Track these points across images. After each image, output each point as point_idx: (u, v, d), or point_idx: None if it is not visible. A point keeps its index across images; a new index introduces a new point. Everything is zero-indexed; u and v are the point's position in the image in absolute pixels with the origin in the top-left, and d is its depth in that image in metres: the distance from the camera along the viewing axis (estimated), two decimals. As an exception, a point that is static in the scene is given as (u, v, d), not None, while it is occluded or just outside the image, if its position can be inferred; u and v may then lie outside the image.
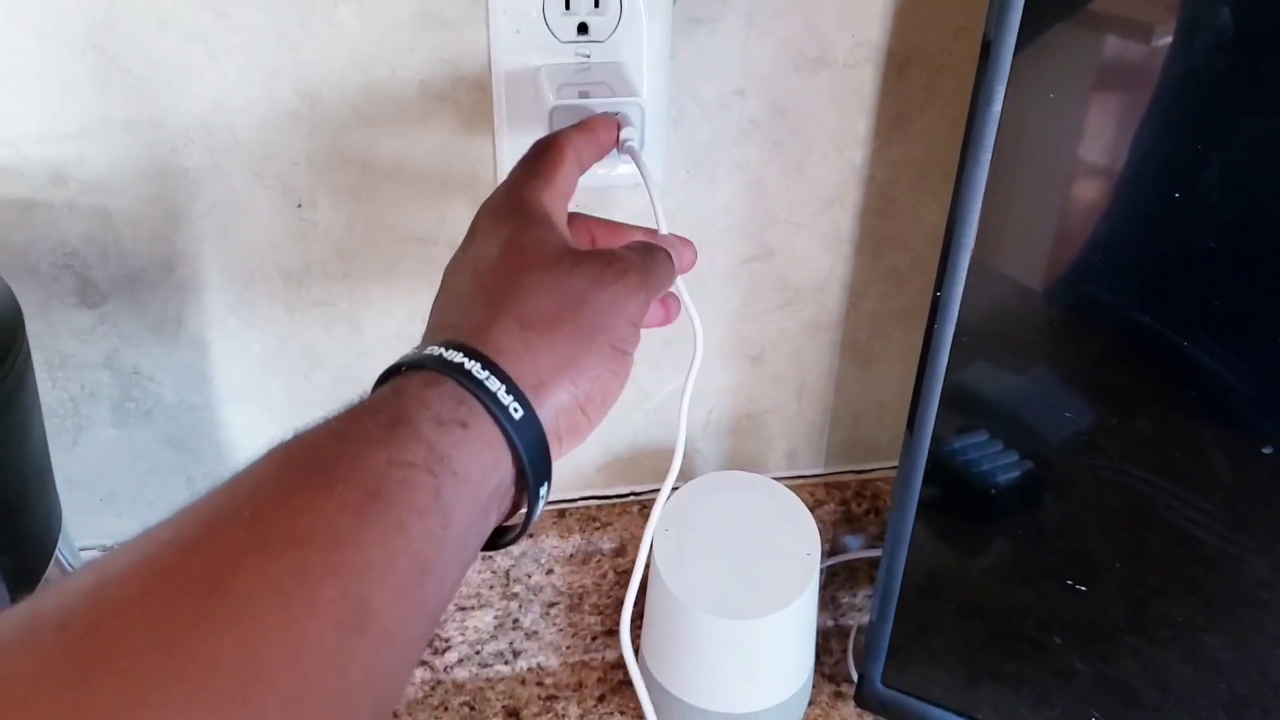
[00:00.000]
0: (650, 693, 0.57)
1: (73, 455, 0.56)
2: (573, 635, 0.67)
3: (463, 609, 0.63)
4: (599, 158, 0.43)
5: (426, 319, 0.36)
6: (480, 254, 0.37)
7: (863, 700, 0.62)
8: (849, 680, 0.66)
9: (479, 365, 0.32)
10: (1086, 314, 0.49)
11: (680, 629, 0.56)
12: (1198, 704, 0.55)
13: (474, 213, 0.38)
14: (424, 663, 0.65)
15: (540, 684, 0.66)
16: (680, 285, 0.49)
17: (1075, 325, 0.50)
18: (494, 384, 0.31)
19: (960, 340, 0.51)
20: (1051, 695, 0.58)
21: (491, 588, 0.63)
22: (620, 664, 0.67)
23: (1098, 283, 0.48)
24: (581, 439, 0.36)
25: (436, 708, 0.64)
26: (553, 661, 0.67)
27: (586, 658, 0.68)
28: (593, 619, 0.66)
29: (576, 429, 0.35)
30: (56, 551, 0.39)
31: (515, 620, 0.65)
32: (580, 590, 0.64)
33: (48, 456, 0.40)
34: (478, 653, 0.66)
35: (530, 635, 0.66)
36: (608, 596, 0.65)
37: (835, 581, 0.68)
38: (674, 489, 0.57)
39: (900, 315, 0.61)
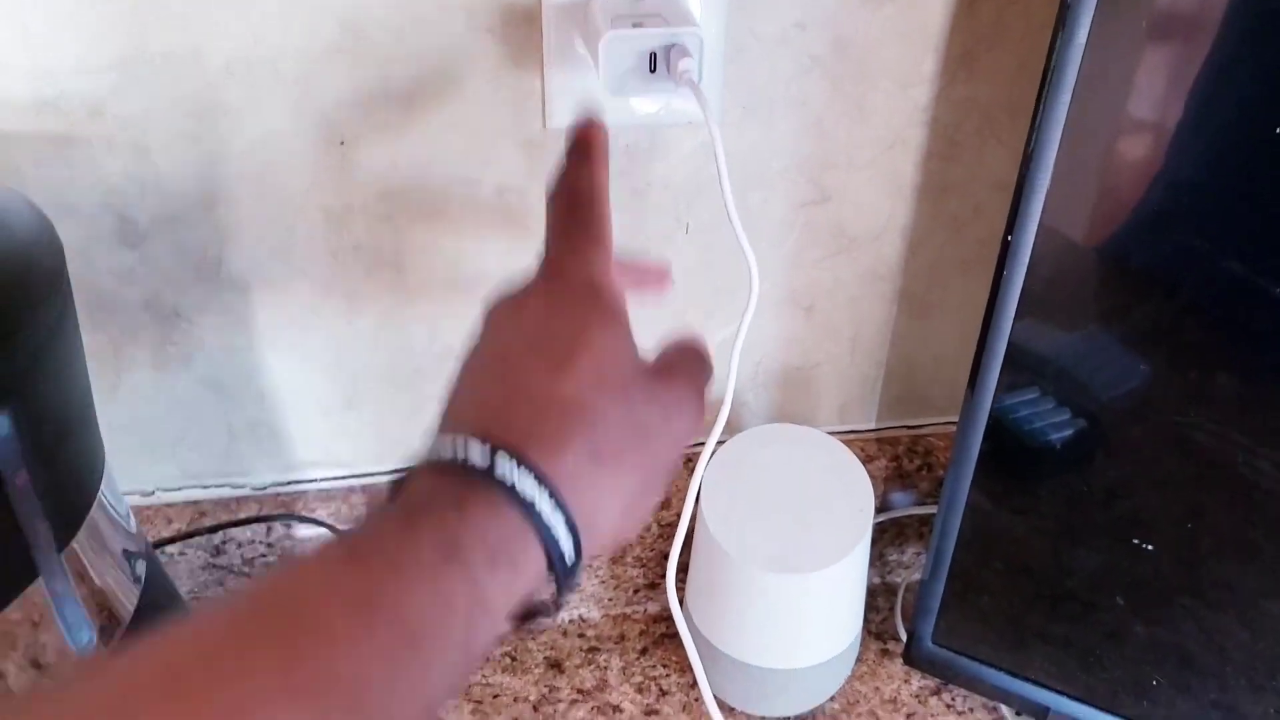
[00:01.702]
0: (694, 646, 0.56)
1: (114, 400, 0.55)
2: (615, 588, 0.66)
3: (505, 560, 0.62)
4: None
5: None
6: (560, 346, 0.33)
7: (911, 658, 0.61)
8: (895, 638, 0.65)
9: (550, 504, 0.30)
10: (1167, 266, 0.47)
11: (727, 583, 0.54)
12: (1255, 669, 0.53)
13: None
14: (465, 613, 0.65)
15: (582, 635, 0.65)
16: (738, 226, 0.47)
17: (1153, 278, 0.48)
18: (559, 529, 0.30)
19: (1029, 291, 0.49)
20: (1105, 657, 0.56)
21: (534, 539, 0.62)
22: (662, 617, 0.66)
23: (1182, 233, 0.46)
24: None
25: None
26: (595, 614, 0.66)
27: (629, 610, 0.67)
28: (635, 571, 0.65)
29: (598, 551, 0.35)
30: (100, 494, 0.38)
31: (558, 572, 0.64)
32: (624, 545, 0.63)
33: (90, 395, 0.39)
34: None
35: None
36: (651, 549, 0.64)
37: (884, 538, 0.66)
38: (720, 442, 0.56)
39: (960, 266, 0.59)
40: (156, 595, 0.42)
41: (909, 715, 0.60)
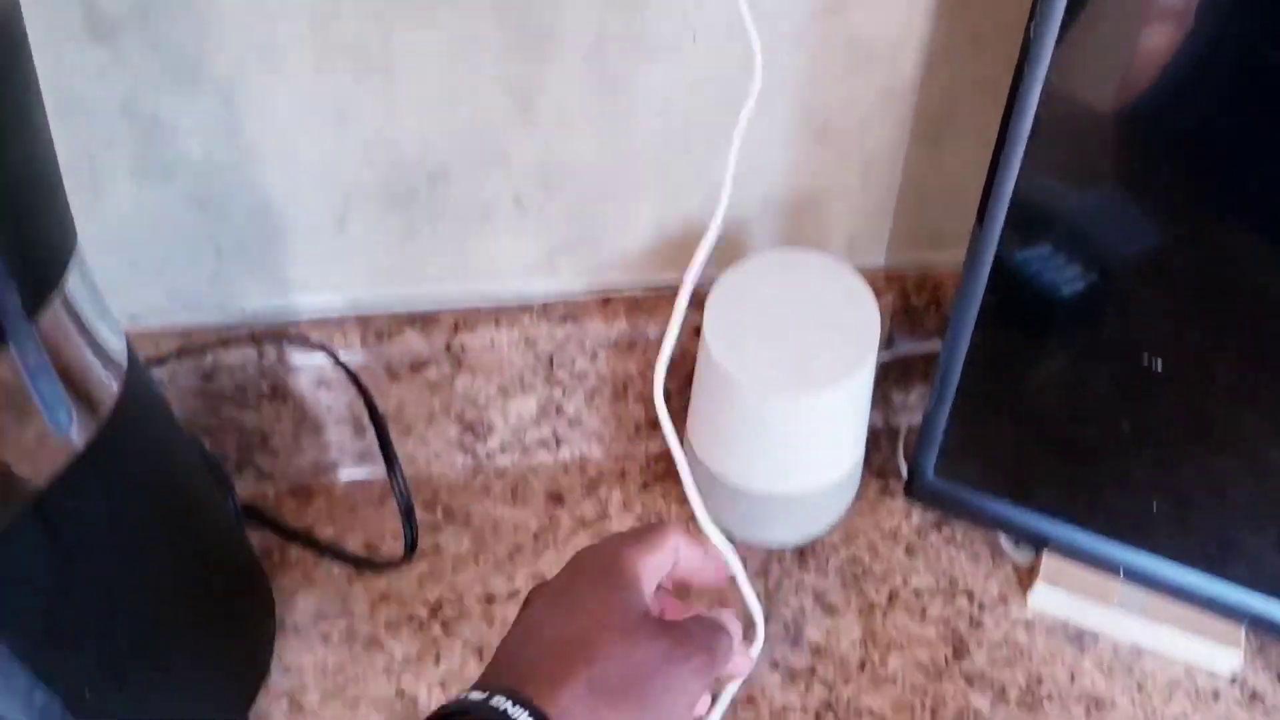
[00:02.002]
0: (695, 475, 0.56)
1: (94, 216, 0.53)
2: (616, 425, 0.65)
3: (505, 393, 0.61)
4: (692, 574, 0.45)
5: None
6: (570, 599, 0.39)
7: (913, 492, 0.60)
8: (897, 476, 0.64)
9: None
10: (1195, 113, 0.44)
11: (729, 407, 0.53)
12: (1257, 513, 0.53)
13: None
14: (465, 448, 0.64)
15: (583, 471, 0.65)
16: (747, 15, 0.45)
17: (1171, 123, 0.45)
18: None
19: (1046, 108, 0.46)
20: (1106, 493, 0.55)
21: (535, 372, 0.61)
22: (664, 455, 0.66)
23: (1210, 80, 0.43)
24: None
25: (478, 491, 0.63)
26: (596, 451, 0.66)
27: (630, 448, 0.66)
28: (637, 408, 0.64)
29: None
30: (71, 283, 0.37)
31: (558, 407, 0.63)
32: (625, 378, 0.62)
33: (55, 163, 0.37)
34: (520, 439, 0.64)
35: (573, 423, 0.64)
36: (652, 385, 0.63)
37: (889, 378, 0.65)
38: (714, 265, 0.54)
39: (979, 86, 0.56)
40: (139, 394, 0.41)
41: (908, 548, 0.60)
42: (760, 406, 0.52)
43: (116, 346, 0.40)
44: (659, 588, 0.43)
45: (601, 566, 0.40)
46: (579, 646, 0.36)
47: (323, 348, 0.55)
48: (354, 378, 0.55)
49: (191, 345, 0.55)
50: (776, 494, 0.56)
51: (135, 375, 0.41)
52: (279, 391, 0.59)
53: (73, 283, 0.36)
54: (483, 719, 0.33)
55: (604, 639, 0.37)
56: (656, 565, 0.42)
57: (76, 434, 0.37)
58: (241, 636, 0.50)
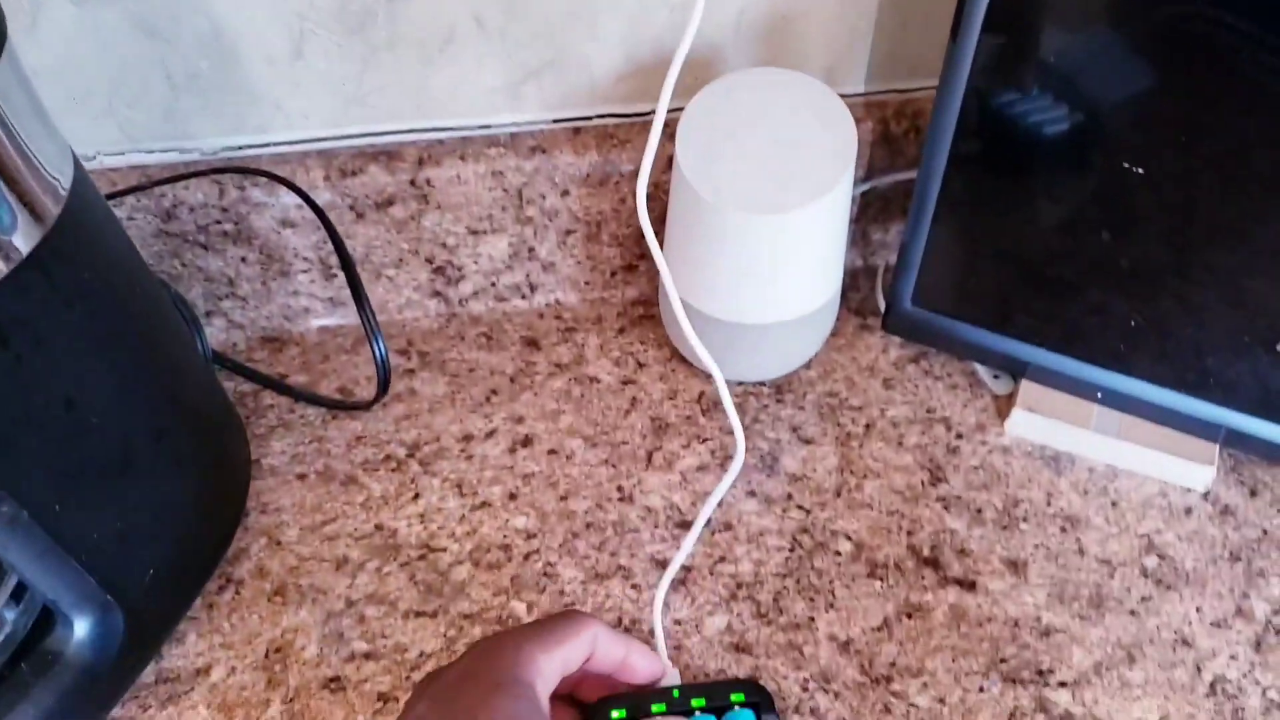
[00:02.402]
0: (673, 310, 0.55)
1: (34, 40, 0.50)
2: (591, 269, 0.64)
3: (475, 233, 0.60)
4: (611, 671, 0.42)
5: None
6: (464, 702, 0.36)
7: (890, 323, 0.60)
8: (876, 315, 0.64)
9: None
10: None
11: (703, 231, 0.52)
12: (1232, 333, 0.52)
13: None
14: (438, 294, 0.63)
15: (559, 318, 0.64)
16: None
17: None
18: None
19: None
20: (1084, 324, 0.55)
21: (504, 209, 0.59)
22: (641, 300, 0.65)
23: None
24: None
25: (453, 338, 0.63)
26: (571, 297, 0.65)
27: (606, 294, 0.65)
28: (611, 251, 0.63)
29: None
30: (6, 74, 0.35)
31: (531, 249, 0.62)
32: (598, 217, 0.61)
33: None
34: (493, 284, 0.63)
35: (547, 267, 0.63)
36: (627, 226, 0.62)
37: (868, 214, 0.64)
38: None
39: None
40: (87, 206, 0.40)
41: (886, 381, 0.60)
42: (735, 227, 0.51)
43: (59, 155, 0.39)
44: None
45: (499, 670, 0.37)
46: None
47: (285, 182, 0.54)
48: (319, 211, 0.53)
49: (148, 181, 0.54)
50: (753, 324, 0.55)
51: (82, 187, 0.40)
52: (243, 233, 0.57)
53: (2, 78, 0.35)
54: None
55: None
56: (563, 662, 0.39)
57: (21, 239, 0.36)
58: (216, 471, 0.50)
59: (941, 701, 0.47)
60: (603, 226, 0.61)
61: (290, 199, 0.56)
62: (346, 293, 0.61)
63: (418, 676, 0.48)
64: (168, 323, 0.47)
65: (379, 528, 0.54)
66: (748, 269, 0.53)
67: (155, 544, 0.45)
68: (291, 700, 0.47)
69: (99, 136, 0.55)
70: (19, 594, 0.43)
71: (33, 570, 0.40)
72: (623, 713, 0.43)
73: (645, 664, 0.42)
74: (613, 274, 0.64)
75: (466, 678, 0.37)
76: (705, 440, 0.57)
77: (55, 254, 0.37)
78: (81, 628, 0.43)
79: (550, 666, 0.38)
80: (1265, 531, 0.53)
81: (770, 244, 0.51)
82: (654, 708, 0.43)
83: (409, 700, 0.39)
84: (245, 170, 0.54)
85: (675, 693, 0.44)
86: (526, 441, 0.57)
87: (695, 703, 0.43)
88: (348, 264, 0.53)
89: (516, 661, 0.38)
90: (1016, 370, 0.58)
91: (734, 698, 0.43)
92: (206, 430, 0.49)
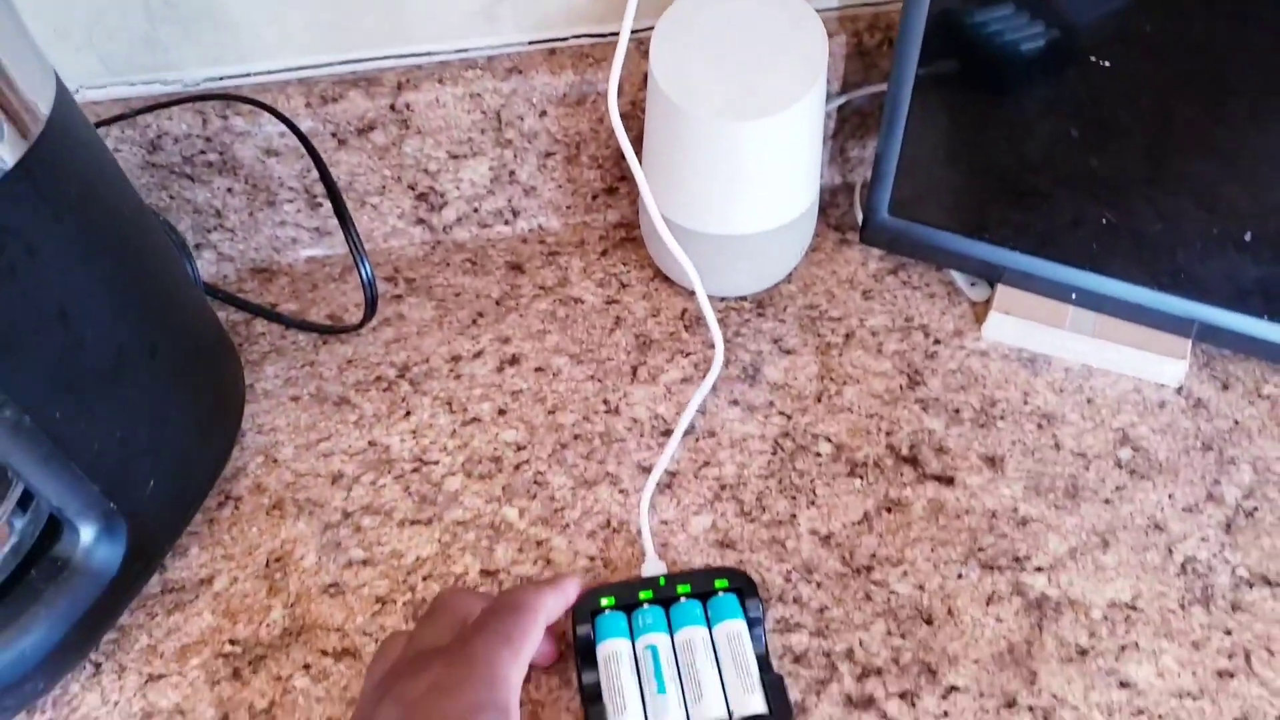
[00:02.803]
0: (652, 226, 0.56)
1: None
2: (573, 193, 0.65)
3: (455, 157, 0.61)
4: (560, 615, 0.44)
5: None
6: (434, 708, 0.37)
7: (868, 234, 0.61)
8: (854, 230, 0.65)
9: None
10: None
11: (680, 141, 0.53)
12: (1207, 234, 0.53)
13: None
14: (422, 221, 0.64)
15: (542, 242, 0.65)
16: None
17: None
18: None
19: None
20: (1059, 222, 0.56)
21: (483, 132, 0.60)
22: (622, 224, 0.66)
23: None
24: None
25: (438, 264, 0.64)
26: (554, 222, 0.66)
27: (588, 218, 0.66)
28: (592, 174, 0.64)
29: None
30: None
31: (511, 173, 0.63)
32: (577, 138, 0.62)
33: None
34: (476, 210, 0.64)
35: (528, 191, 0.64)
36: (606, 147, 0.63)
37: (845, 130, 0.65)
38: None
39: None
40: (70, 123, 0.41)
41: (865, 293, 0.61)
42: (710, 134, 0.52)
43: (41, 73, 0.40)
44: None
45: (472, 689, 0.37)
46: None
47: (267, 107, 0.54)
48: (302, 137, 0.54)
49: (131, 110, 0.55)
50: (732, 235, 0.56)
51: (65, 105, 0.41)
52: (228, 163, 0.58)
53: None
54: None
55: None
56: (528, 660, 0.40)
57: (6, 151, 0.37)
58: (211, 390, 0.51)
59: (921, 588, 0.48)
60: (582, 148, 0.62)
61: (273, 127, 0.57)
62: (333, 222, 0.62)
63: (414, 580, 0.50)
64: (157, 244, 0.48)
65: (372, 444, 0.55)
66: (725, 178, 0.54)
67: (154, 456, 0.46)
68: (293, 605, 0.49)
69: (80, 70, 0.56)
70: (25, 504, 0.45)
71: (37, 476, 0.42)
72: (611, 600, 0.45)
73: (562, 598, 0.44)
74: (594, 197, 0.65)
75: (439, 692, 0.37)
76: (688, 354, 0.58)
77: (42, 166, 0.38)
78: (87, 534, 0.44)
79: (520, 675, 0.39)
80: (1237, 422, 0.54)
81: (746, 151, 0.52)
82: (641, 595, 0.45)
83: (368, 691, 0.39)
84: (227, 97, 0.55)
85: (661, 581, 0.45)
86: (514, 360, 0.59)
87: (681, 589, 0.45)
88: (331, 186, 0.54)
89: (492, 680, 0.38)
90: (993, 276, 0.59)
91: (718, 584, 0.45)
92: (200, 350, 0.51)
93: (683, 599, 0.45)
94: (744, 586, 0.45)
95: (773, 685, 0.42)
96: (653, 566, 0.48)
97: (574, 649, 0.45)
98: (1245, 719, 0.43)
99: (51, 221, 0.40)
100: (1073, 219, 0.56)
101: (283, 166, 0.59)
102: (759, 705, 0.41)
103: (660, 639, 0.43)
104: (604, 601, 0.44)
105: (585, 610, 0.44)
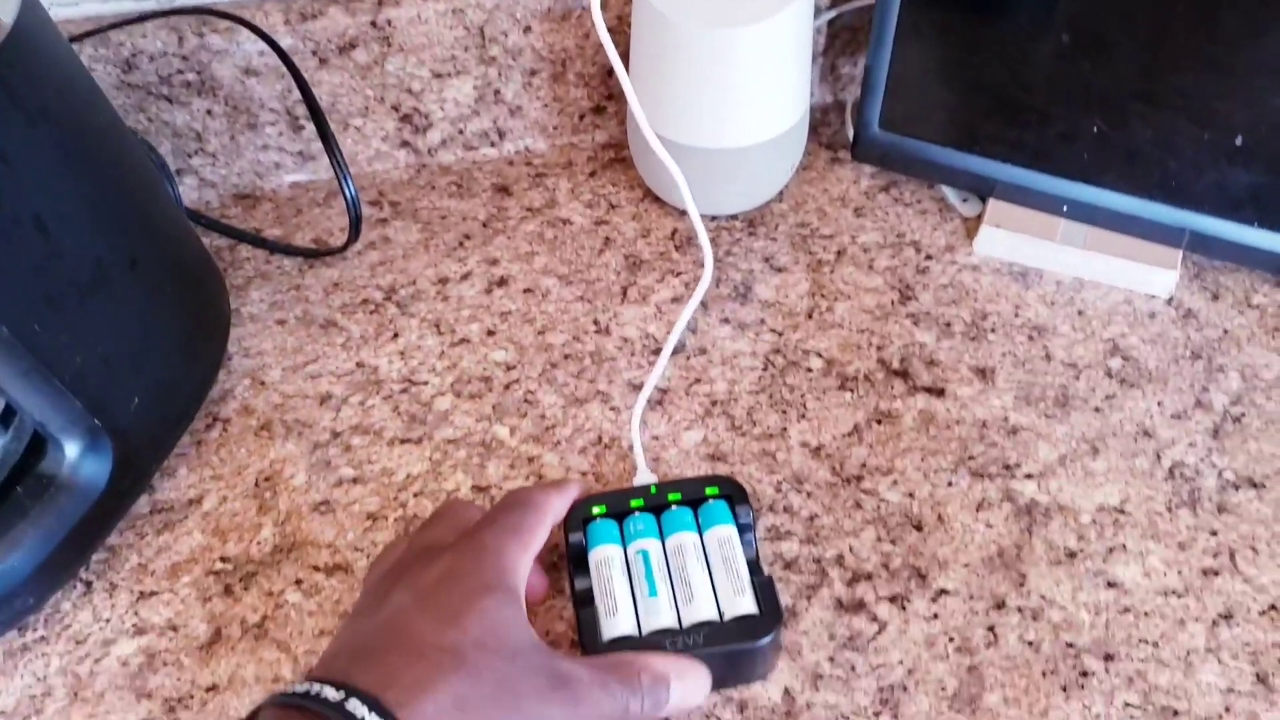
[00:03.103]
0: (642, 144, 0.55)
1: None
2: (559, 113, 0.64)
3: (438, 76, 0.60)
4: (564, 514, 0.44)
5: None
6: (446, 606, 0.36)
7: (860, 152, 0.60)
8: (846, 148, 0.64)
9: None
10: None
11: (668, 53, 0.52)
12: (1198, 140, 0.53)
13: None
14: (407, 143, 0.63)
15: (529, 164, 0.64)
16: None
17: None
18: None
19: None
20: (1051, 133, 0.55)
21: (466, 49, 0.59)
22: (611, 144, 0.65)
23: None
24: None
25: (423, 187, 0.63)
26: (541, 144, 0.65)
27: (575, 139, 0.65)
28: (579, 93, 0.63)
29: None
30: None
31: (497, 91, 0.62)
32: (563, 55, 0.61)
33: None
34: (461, 132, 0.63)
35: (514, 111, 0.63)
36: (592, 64, 0.62)
37: (835, 46, 0.64)
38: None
39: None
40: (38, 27, 0.40)
41: (856, 210, 0.61)
42: (697, 43, 0.51)
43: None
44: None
45: (482, 573, 0.38)
46: (451, 657, 0.34)
47: (244, 22, 0.53)
48: (281, 52, 0.53)
49: (104, 26, 0.53)
50: (723, 149, 0.55)
51: (32, 11, 0.40)
52: (207, 83, 0.57)
53: None
54: (334, 713, 0.31)
55: (481, 658, 0.35)
56: (534, 554, 0.40)
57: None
58: (195, 308, 0.51)
59: (911, 496, 0.48)
60: (568, 65, 0.61)
61: (252, 46, 0.56)
62: (316, 145, 0.61)
63: (405, 497, 0.49)
64: (135, 159, 0.47)
65: (360, 365, 0.55)
66: (714, 89, 0.53)
67: (138, 373, 0.46)
68: (283, 523, 0.49)
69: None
70: (7, 422, 0.45)
71: (18, 390, 0.41)
72: (603, 508, 0.45)
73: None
74: (581, 117, 0.64)
75: (450, 577, 0.38)
76: (679, 274, 0.58)
77: (13, 69, 0.38)
78: (72, 450, 0.44)
79: (526, 567, 0.40)
80: (1226, 331, 0.54)
81: (734, 60, 0.52)
82: (633, 503, 0.45)
83: (372, 585, 0.39)
84: (203, 11, 0.53)
85: (653, 489, 0.45)
86: (502, 282, 0.58)
87: (671, 497, 0.45)
88: (312, 104, 0.53)
89: (501, 568, 0.38)
90: (984, 190, 0.59)
91: (708, 491, 0.45)
92: (182, 269, 0.50)
93: (674, 506, 0.45)
94: (734, 494, 0.45)
95: (763, 587, 0.42)
96: (644, 478, 0.48)
97: (566, 556, 0.45)
98: (1229, 614, 0.44)
99: (25, 128, 0.39)
100: (1065, 130, 0.55)
101: (263, 87, 0.58)
102: (749, 606, 0.41)
103: (651, 544, 0.43)
104: (595, 510, 0.44)
105: (577, 518, 0.44)
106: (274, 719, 0.32)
